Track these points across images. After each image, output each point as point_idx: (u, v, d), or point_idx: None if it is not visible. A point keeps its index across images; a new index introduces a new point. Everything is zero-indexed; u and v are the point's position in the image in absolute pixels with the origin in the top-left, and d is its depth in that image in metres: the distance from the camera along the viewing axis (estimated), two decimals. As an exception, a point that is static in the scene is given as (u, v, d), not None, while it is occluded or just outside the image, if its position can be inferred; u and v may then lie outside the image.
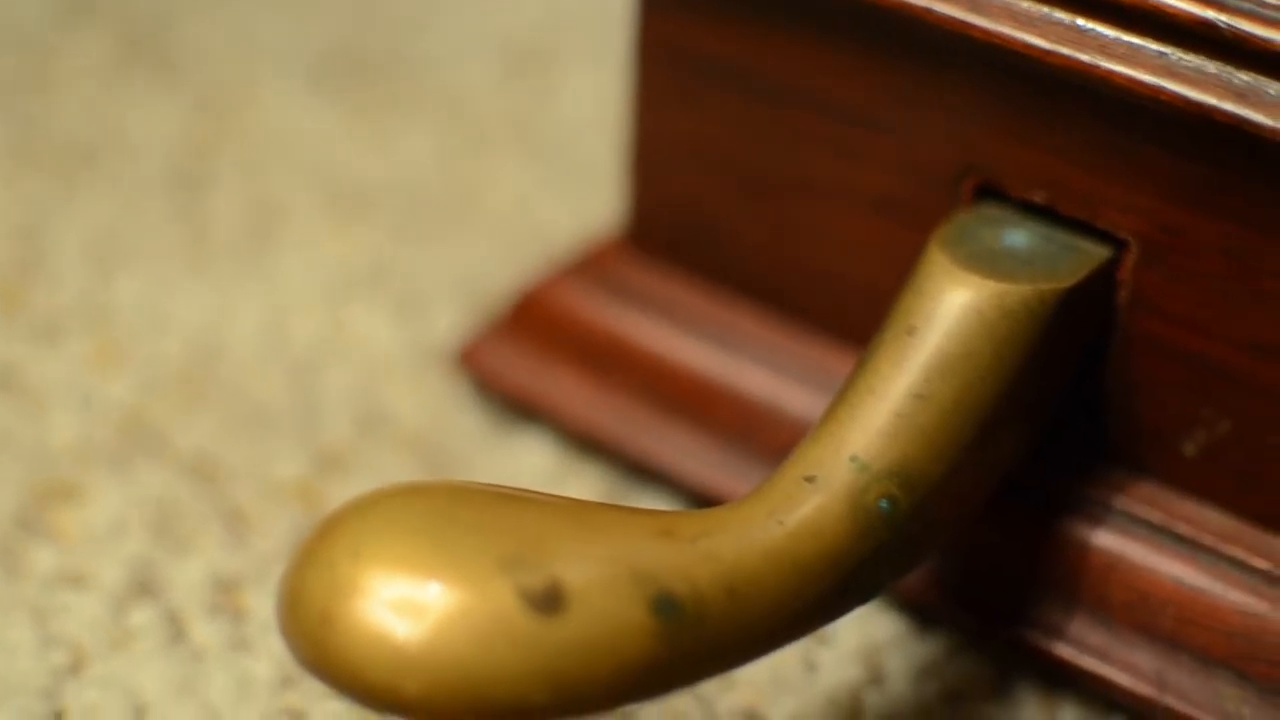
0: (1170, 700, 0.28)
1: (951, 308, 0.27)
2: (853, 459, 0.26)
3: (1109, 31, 0.27)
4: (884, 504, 0.26)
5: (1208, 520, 0.29)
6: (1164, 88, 0.26)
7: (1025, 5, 0.27)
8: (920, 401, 0.26)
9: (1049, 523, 0.30)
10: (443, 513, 0.23)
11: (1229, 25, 0.26)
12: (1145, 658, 0.29)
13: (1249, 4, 0.26)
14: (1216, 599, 0.29)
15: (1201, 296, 0.28)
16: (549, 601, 0.23)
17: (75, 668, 0.29)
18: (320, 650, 0.23)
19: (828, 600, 0.25)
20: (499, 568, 0.23)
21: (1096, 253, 0.28)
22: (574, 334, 0.34)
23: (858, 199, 0.31)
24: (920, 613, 0.31)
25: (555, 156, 0.42)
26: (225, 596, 0.31)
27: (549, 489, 0.32)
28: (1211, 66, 0.26)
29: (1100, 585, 0.29)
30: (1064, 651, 0.29)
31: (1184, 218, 0.28)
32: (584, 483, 0.33)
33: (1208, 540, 0.29)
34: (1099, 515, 0.29)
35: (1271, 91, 0.26)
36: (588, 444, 0.34)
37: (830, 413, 0.27)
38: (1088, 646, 0.29)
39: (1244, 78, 0.26)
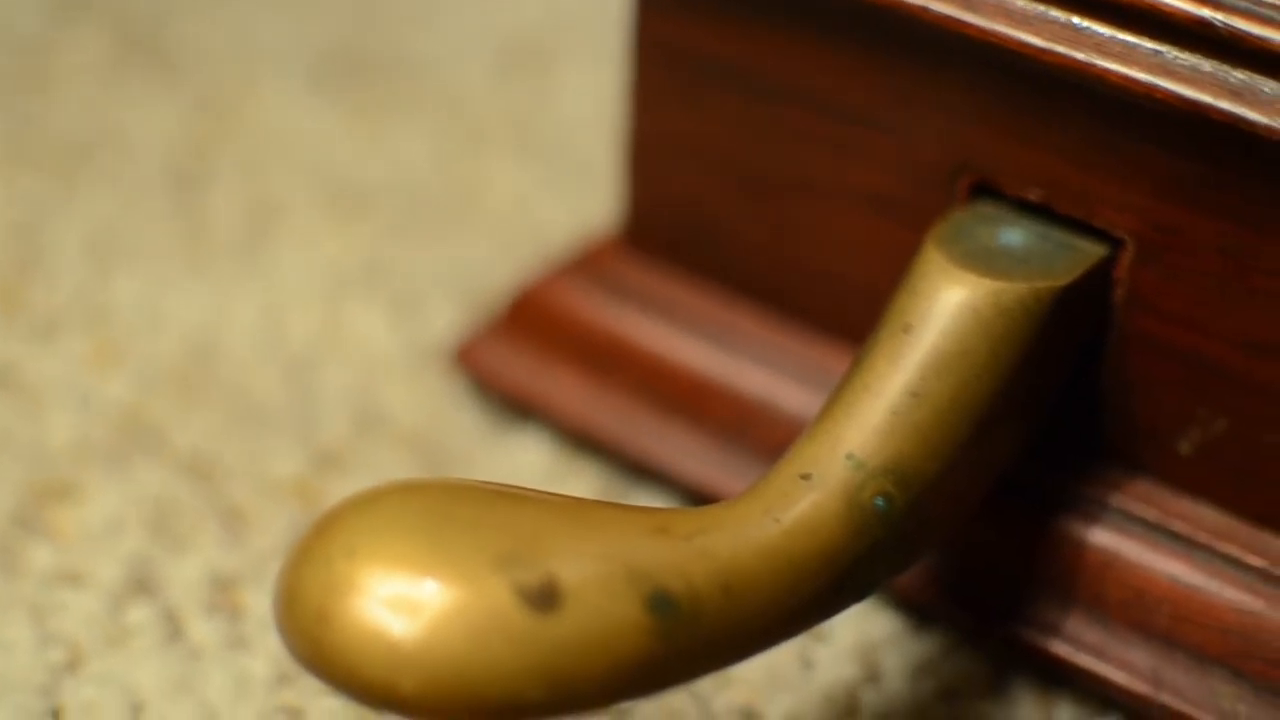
0: (1166, 698, 0.29)
1: (947, 306, 0.27)
2: (848, 457, 0.26)
3: (1104, 30, 0.27)
4: (879, 501, 0.26)
5: (1203, 518, 0.29)
6: (1159, 86, 0.26)
7: (1021, 4, 0.27)
8: (916, 399, 0.26)
9: (1045, 521, 0.30)
10: (438, 510, 0.23)
11: (1225, 24, 0.26)
12: (1141, 655, 0.29)
13: (1245, 2, 0.26)
14: (1212, 596, 0.29)
15: (1197, 295, 0.28)
16: (545, 599, 0.23)
17: (73, 665, 0.29)
18: (316, 647, 0.23)
19: (823, 598, 0.25)
20: (495, 565, 0.23)
21: (1092, 251, 0.28)
22: (571, 333, 0.34)
23: (854, 198, 0.31)
24: (917, 611, 0.31)
25: (553, 156, 0.42)
26: (222, 594, 0.31)
27: (546, 487, 0.32)
28: (1207, 65, 0.26)
29: (1096, 583, 0.29)
30: (1060, 649, 0.29)
31: (1180, 216, 0.28)
32: (581, 481, 0.33)
33: (1203, 538, 0.29)
34: (1095, 513, 0.29)
35: (1267, 90, 0.26)
36: (585, 442, 0.34)
37: (826, 411, 0.27)
38: (1084, 644, 0.29)
39: (1239, 76, 0.26)
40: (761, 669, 0.30)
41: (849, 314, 0.31)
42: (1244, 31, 0.26)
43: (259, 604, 0.31)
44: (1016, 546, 0.30)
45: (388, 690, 0.22)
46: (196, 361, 0.36)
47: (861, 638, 0.31)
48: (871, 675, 0.30)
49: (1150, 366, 0.29)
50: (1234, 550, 0.29)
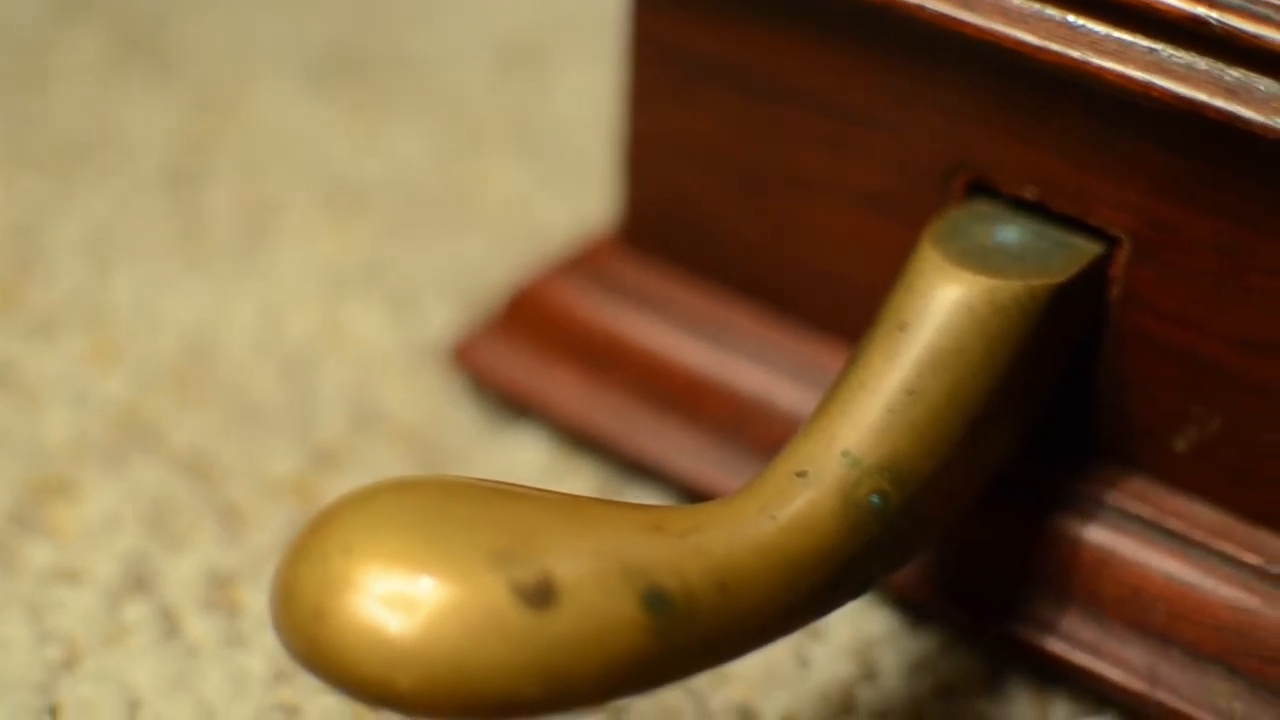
0: (1162, 695, 0.29)
1: (943, 304, 0.27)
2: (844, 454, 0.26)
3: (1100, 28, 0.27)
4: (875, 499, 0.26)
5: (1199, 516, 0.29)
6: (1154, 84, 0.26)
7: (1016, 2, 0.27)
8: (912, 397, 0.27)
9: (1041, 518, 0.30)
10: (434, 507, 0.23)
11: (1220, 22, 0.26)
12: (1137, 653, 0.29)
13: (1240, 1, 0.26)
14: (1208, 594, 0.29)
15: (1193, 293, 0.28)
16: (540, 596, 0.23)
17: (70, 663, 0.29)
18: (313, 645, 0.23)
19: (819, 595, 0.25)
20: (490, 562, 0.23)
21: (1088, 249, 0.28)
22: (568, 331, 0.34)
23: (850, 196, 0.31)
24: (913, 608, 0.31)
25: (551, 155, 0.42)
26: (220, 592, 0.31)
27: (543, 485, 0.32)
28: (1202, 63, 0.26)
29: (1092, 581, 0.29)
30: (1056, 647, 0.29)
31: (1175, 214, 0.28)
32: (578, 478, 0.33)
33: (1199, 536, 0.29)
34: (1091, 511, 0.30)
35: (1262, 88, 0.26)
36: (582, 440, 0.34)
37: (822, 408, 0.27)
38: (1079, 642, 0.29)
39: (1234, 74, 0.26)
40: (758, 666, 0.30)
41: (845, 312, 0.31)
42: (1239, 30, 0.26)
43: (256, 602, 0.31)
44: (1013, 544, 0.30)
45: (384, 687, 0.22)
46: (194, 360, 0.36)
47: (858, 635, 0.31)
48: (868, 673, 0.30)
49: (1146, 364, 0.29)
50: (1230, 548, 0.29)
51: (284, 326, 0.37)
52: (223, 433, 0.34)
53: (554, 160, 0.42)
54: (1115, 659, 0.29)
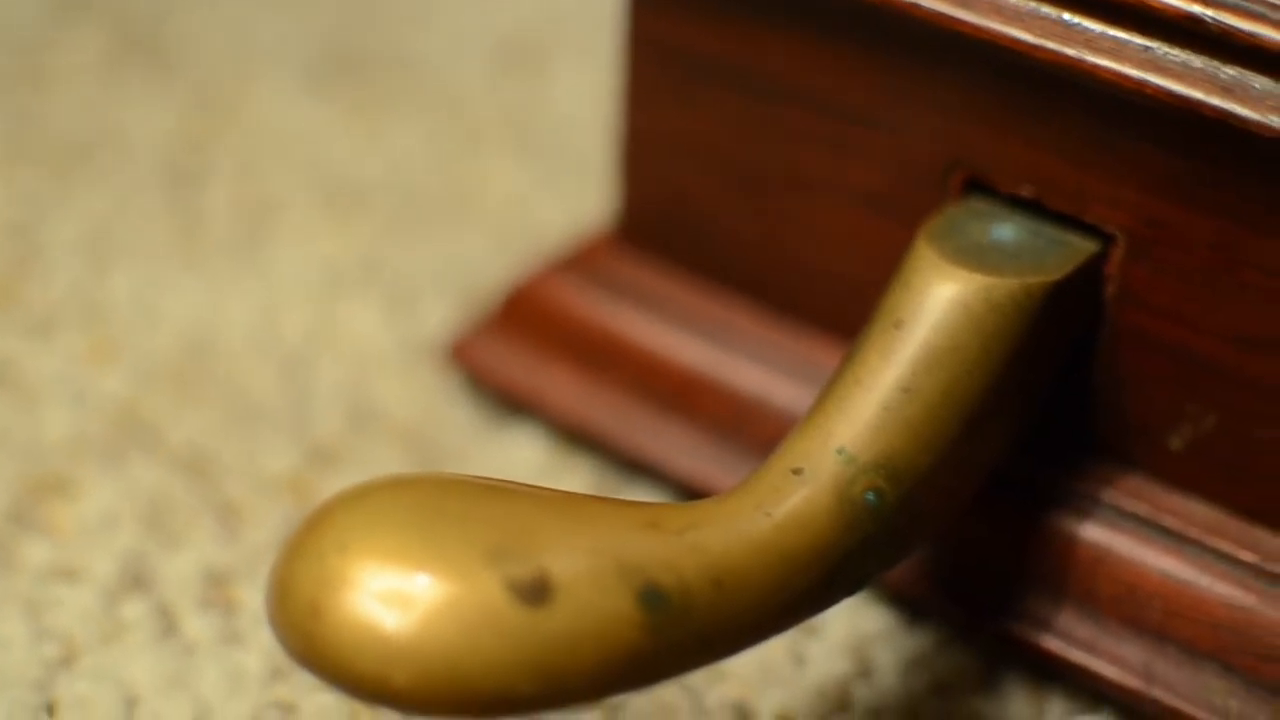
0: (1158, 693, 0.29)
1: (939, 301, 0.27)
2: (839, 451, 0.26)
3: (1095, 26, 0.27)
4: (870, 496, 0.26)
5: (1195, 513, 0.29)
6: (1150, 82, 0.26)
7: (1012, 0, 0.27)
8: (907, 395, 0.27)
9: (1037, 516, 0.30)
10: (430, 505, 0.23)
11: (1215, 20, 0.26)
12: (1133, 650, 0.29)
13: (1235, -1, 0.26)
14: (1204, 592, 0.29)
15: (1188, 290, 0.28)
16: (536, 593, 0.23)
17: (67, 660, 0.30)
18: (309, 642, 0.23)
19: (814, 592, 0.25)
20: (486, 559, 0.23)
21: (1084, 247, 0.28)
22: (566, 329, 0.34)
23: (846, 194, 0.31)
24: (909, 606, 0.31)
25: (549, 153, 0.42)
26: (217, 590, 0.31)
27: (540, 483, 0.32)
28: (1198, 61, 0.26)
29: (1088, 578, 0.29)
30: (1052, 644, 0.29)
31: (1171, 212, 0.28)
32: (575, 477, 0.34)
33: (1195, 533, 0.29)
34: (1087, 508, 0.30)
35: (1257, 86, 0.26)
36: (579, 438, 0.34)
37: (818, 405, 0.27)
38: (1075, 639, 0.29)
39: (1230, 72, 0.26)
40: (754, 664, 0.30)
41: (842, 310, 0.31)
42: (1234, 28, 0.26)
43: (253, 599, 0.31)
44: (1008, 542, 0.30)
45: (379, 684, 0.22)
46: (192, 358, 0.36)
47: (854, 633, 0.31)
48: (864, 670, 0.30)
49: (1141, 362, 0.29)
50: (1225, 545, 0.29)
51: (282, 325, 0.37)
52: (221, 431, 0.34)
53: (552, 159, 0.42)
54: (1111, 656, 0.29)
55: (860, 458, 0.26)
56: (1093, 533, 0.29)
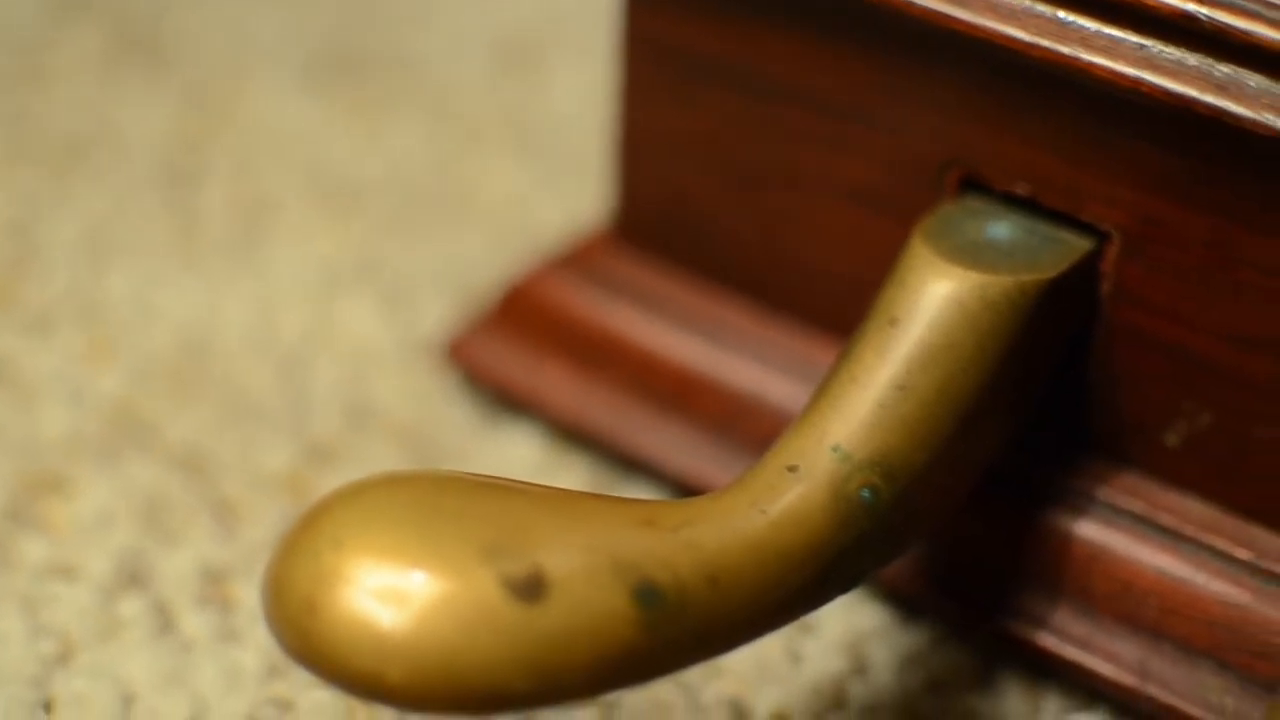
0: (1153, 690, 0.29)
1: (934, 299, 0.27)
2: (835, 449, 0.26)
3: (1090, 24, 0.27)
4: (865, 493, 0.26)
5: (1190, 511, 0.29)
6: (1145, 80, 0.26)
7: (1008, -2, 0.28)
8: (902, 392, 0.27)
9: (1032, 513, 0.30)
10: (426, 501, 0.23)
11: (1209, 18, 0.26)
12: (1128, 648, 0.29)
13: (1229, -3, 0.26)
14: (1199, 589, 0.29)
15: (1183, 288, 0.28)
16: (531, 589, 0.23)
17: (64, 657, 0.30)
18: (304, 639, 0.23)
19: (809, 589, 0.25)
20: (481, 556, 0.23)
21: (1079, 244, 0.28)
22: (562, 327, 0.34)
23: (842, 192, 0.31)
24: (905, 603, 0.31)
25: (545, 152, 0.43)
26: (214, 587, 0.31)
27: (537, 481, 0.32)
28: (1192, 59, 0.26)
29: (1083, 576, 0.29)
30: (1047, 642, 0.29)
31: (1166, 210, 0.28)
32: (571, 474, 0.34)
33: (1190, 531, 0.29)
34: (1082, 506, 0.30)
35: (1252, 84, 0.26)
36: (575, 436, 0.34)
37: (813, 403, 0.27)
38: (1071, 637, 0.29)
39: (1224, 70, 0.26)
40: (750, 661, 0.30)
41: (838, 308, 0.31)
42: (1229, 25, 0.26)
43: (250, 597, 0.31)
44: (1004, 539, 0.30)
45: (375, 681, 0.22)
46: (189, 356, 0.36)
47: (850, 630, 0.31)
48: (859, 667, 0.30)
49: (1137, 360, 0.29)
50: (1221, 543, 0.29)
51: (279, 323, 0.37)
52: (217, 429, 0.34)
53: (550, 158, 0.42)
54: (1106, 654, 0.29)
55: (855, 455, 0.26)
56: (1088, 530, 0.29)
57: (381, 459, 0.34)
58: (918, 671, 0.30)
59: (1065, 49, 0.27)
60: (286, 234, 0.40)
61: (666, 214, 0.34)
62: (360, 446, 0.34)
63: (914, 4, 0.28)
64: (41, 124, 0.43)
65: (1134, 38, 0.27)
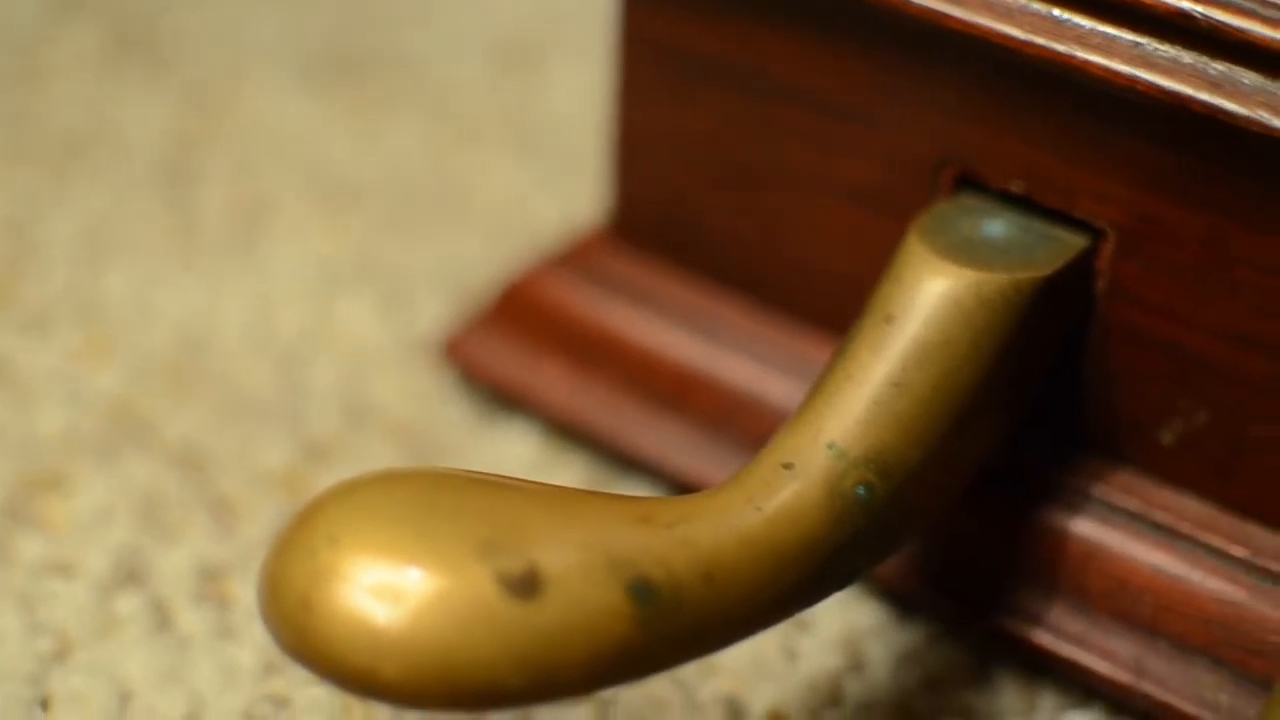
0: (1148, 687, 0.29)
1: (929, 296, 0.27)
2: (830, 446, 0.26)
3: (1085, 22, 0.27)
4: (861, 491, 0.26)
5: (1186, 508, 0.29)
6: (1140, 78, 0.26)
7: (1003, -4, 0.28)
8: (897, 389, 0.27)
9: (1028, 511, 0.30)
10: (421, 498, 0.23)
11: (1204, 15, 0.26)
12: (1123, 645, 0.29)
13: (1224, -6, 0.26)
14: (1194, 587, 0.29)
15: (1179, 286, 0.28)
16: (526, 586, 0.23)
17: (61, 655, 0.30)
18: (300, 636, 0.23)
19: (805, 586, 0.25)
20: (477, 552, 0.23)
21: (1074, 242, 0.28)
22: (559, 325, 0.34)
23: (838, 190, 0.31)
24: (901, 601, 0.31)
25: (543, 151, 0.43)
26: (211, 585, 0.31)
27: (534, 479, 0.32)
28: (1187, 57, 0.26)
29: (1079, 573, 0.29)
30: (1043, 639, 0.29)
31: (1161, 207, 0.28)
32: (568, 472, 0.34)
33: (1186, 528, 0.29)
34: (1078, 503, 0.30)
35: (1246, 81, 0.26)
36: (572, 434, 0.34)
37: (808, 400, 0.27)
38: (1066, 634, 0.29)
39: (1219, 67, 0.26)
40: (746, 658, 0.30)
41: (834, 306, 0.31)
42: (1223, 23, 0.26)
43: (247, 594, 0.31)
44: (1000, 537, 0.30)
45: (370, 677, 0.22)
46: (187, 355, 0.36)
47: (846, 628, 0.31)
48: (856, 665, 0.30)
49: (1132, 357, 0.29)
50: (1217, 541, 0.29)
51: (277, 322, 0.37)
52: (215, 427, 0.34)
53: (547, 157, 0.42)
54: (1102, 651, 0.29)
55: (851, 452, 0.26)
56: (1084, 528, 0.30)
57: (379, 457, 0.34)
58: (914, 669, 0.30)
59: (1061, 47, 0.27)
60: (285, 233, 0.40)
61: (664, 213, 0.34)
62: (358, 444, 0.34)
63: (911, 3, 0.28)
64: (40, 123, 0.43)
65: (1129, 36, 0.27)
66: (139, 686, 0.29)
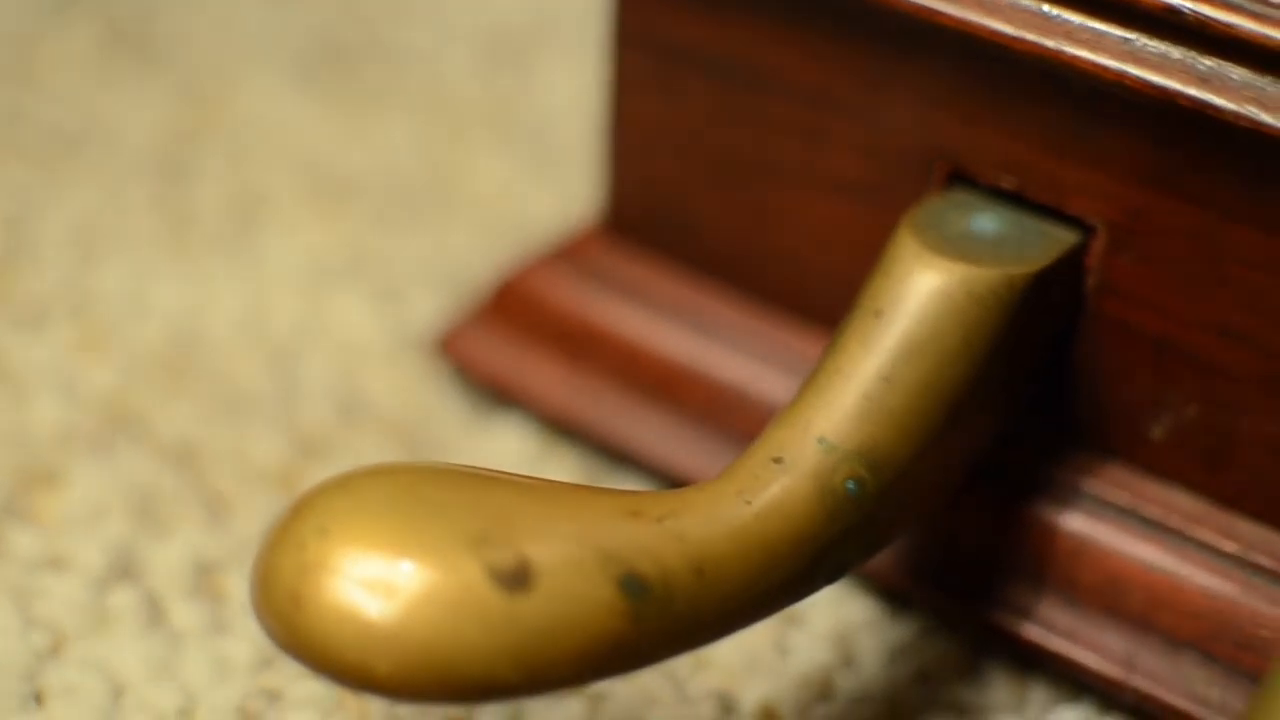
0: (1138, 681, 0.29)
1: (919, 291, 0.27)
2: (820, 440, 0.26)
3: (1074, 18, 0.27)
4: (851, 485, 0.26)
5: (1176, 503, 0.29)
6: (1129, 73, 0.27)
7: (993, -8, 0.28)
8: (888, 384, 0.27)
9: (1018, 506, 0.30)
10: (411, 492, 0.23)
11: (1192, 11, 0.26)
12: (1114, 639, 0.29)
13: (1212, -11, 0.26)
14: (1185, 581, 0.29)
15: (1169, 281, 0.28)
16: (517, 579, 0.23)
17: (55, 649, 0.30)
18: (291, 630, 0.23)
19: (795, 580, 0.25)
20: (467, 546, 0.23)
21: (1064, 238, 0.29)
22: (552, 320, 0.34)
23: (830, 185, 0.31)
24: (892, 595, 0.31)
25: (536, 146, 0.43)
26: (205, 579, 0.31)
27: (527, 473, 0.32)
28: (1176, 52, 0.26)
29: (1069, 567, 0.29)
30: (1033, 633, 0.29)
31: (1151, 203, 0.28)
32: (562, 467, 0.34)
33: (1176, 523, 0.29)
34: (1068, 498, 0.30)
35: (1234, 77, 0.26)
36: (566, 429, 0.34)
37: (799, 395, 0.27)
38: (1056, 628, 0.29)
39: (1207, 63, 0.26)
40: (737, 653, 0.30)
41: (825, 300, 0.31)
42: (1211, 18, 0.26)
43: (240, 589, 0.31)
44: (990, 531, 0.30)
45: (362, 671, 0.22)
46: (181, 349, 0.36)
47: (837, 623, 0.31)
48: (847, 659, 0.30)
49: (1123, 352, 0.29)
50: (1207, 535, 0.29)
51: (270, 317, 0.37)
52: (209, 422, 0.34)
53: (540, 152, 0.42)
54: (1092, 645, 0.29)
55: (841, 446, 0.26)
56: (1074, 522, 0.30)
57: (372, 452, 0.34)
58: (905, 663, 0.30)
59: (1050, 43, 0.27)
60: (278, 228, 0.40)
61: (657, 207, 0.34)
62: (351, 440, 0.34)
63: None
64: (33, 118, 0.43)
65: (1118, 31, 0.27)
66: (132, 681, 0.29)
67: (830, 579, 0.26)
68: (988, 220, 0.29)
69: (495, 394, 0.35)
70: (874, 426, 0.26)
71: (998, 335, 0.28)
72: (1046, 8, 0.27)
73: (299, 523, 0.23)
